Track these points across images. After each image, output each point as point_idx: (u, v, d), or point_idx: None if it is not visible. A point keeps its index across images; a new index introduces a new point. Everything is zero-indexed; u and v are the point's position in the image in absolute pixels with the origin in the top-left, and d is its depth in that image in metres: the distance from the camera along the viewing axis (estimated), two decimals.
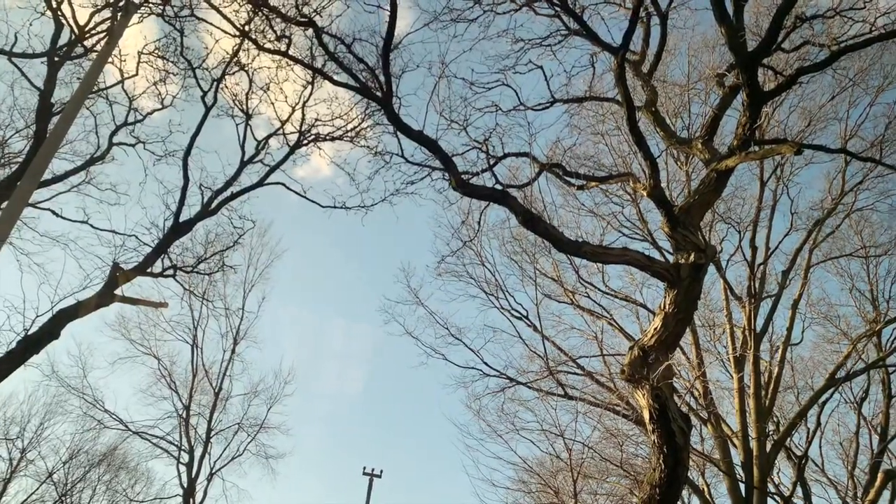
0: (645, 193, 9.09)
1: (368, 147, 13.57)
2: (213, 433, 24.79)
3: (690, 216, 8.83)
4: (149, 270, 13.34)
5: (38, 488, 27.62)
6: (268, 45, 8.78)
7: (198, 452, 24.37)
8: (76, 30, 11.66)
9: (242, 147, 14.21)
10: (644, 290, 18.40)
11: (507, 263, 17.77)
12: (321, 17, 8.49)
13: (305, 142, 14.27)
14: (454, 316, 31.22)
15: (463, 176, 8.47)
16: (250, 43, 9.67)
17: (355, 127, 13.96)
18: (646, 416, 8.23)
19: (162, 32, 13.76)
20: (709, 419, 15.52)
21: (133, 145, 14.81)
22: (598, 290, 17.00)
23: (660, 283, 8.78)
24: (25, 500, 27.45)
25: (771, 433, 15.59)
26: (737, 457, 15.17)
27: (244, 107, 14.17)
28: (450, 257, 15.40)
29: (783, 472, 18.03)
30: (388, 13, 7.40)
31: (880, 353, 17.25)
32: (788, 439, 16.31)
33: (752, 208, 17.37)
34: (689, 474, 11.98)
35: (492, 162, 10.47)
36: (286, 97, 14.33)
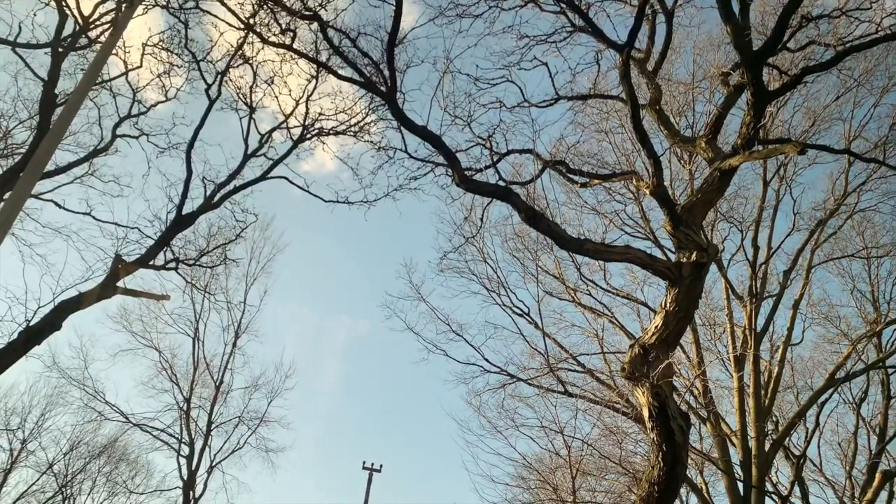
0: (648, 192, 9.09)
1: (372, 142, 13.58)
2: (213, 426, 24.85)
3: (693, 215, 8.82)
4: (151, 263, 13.35)
5: (38, 479, 27.76)
6: (272, 39, 8.77)
7: (198, 445, 24.46)
8: (80, 20, 11.66)
9: (246, 140, 14.22)
10: (645, 289, 18.44)
11: (509, 260, 17.81)
12: (326, 10, 8.48)
13: (309, 136, 14.29)
14: (456, 312, 31.19)
15: (466, 172, 8.47)
16: (255, 36, 9.64)
17: (359, 122, 13.98)
18: (645, 413, 8.23)
19: (166, 24, 13.71)
20: (708, 418, 15.54)
21: (136, 137, 14.83)
22: (600, 287, 17.05)
23: (661, 281, 8.79)
24: (26, 490, 27.59)
25: (770, 432, 15.61)
26: (735, 456, 15.21)
27: (248, 100, 14.20)
28: (452, 253, 15.39)
29: (781, 472, 18.09)
30: (394, 8, 7.39)
31: (880, 354, 17.25)
32: (787, 439, 16.33)
33: (754, 208, 17.39)
34: (687, 472, 12.01)
35: (495, 158, 10.48)
36: (290, 91, 14.38)
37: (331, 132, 14.32)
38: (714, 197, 9.27)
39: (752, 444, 14.87)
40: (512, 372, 16.17)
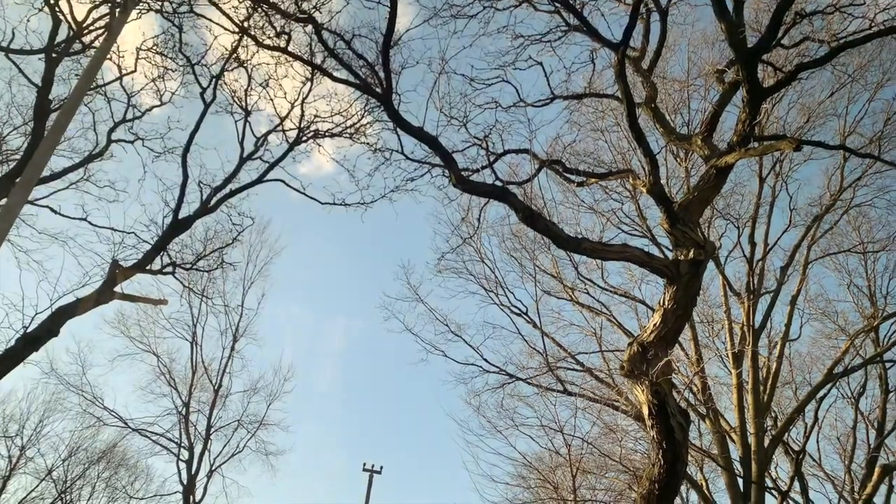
0: (644, 190, 9.11)
1: (368, 144, 13.56)
2: (212, 430, 24.79)
3: (690, 213, 8.84)
4: (148, 267, 13.33)
5: (37, 486, 27.68)
6: (267, 42, 8.76)
7: (197, 449, 24.38)
8: (74, 26, 11.63)
9: (241, 144, 14.21)
10: (643, 287, 18.45)
11: (507, 260, 17.79)
12: (320, 13, 8.47)
13: (305, 138, 14.27)
14: (454, 312, 31.14)
15: (463, 173, 8.47)
16: (250, 39, 9.63)
17: (355, 123, 13.97)
18: (645, 411, 8.24)
19: (160, 28, 13.69)
20: (707, 414, 15.57)
21: (132, 142, 14.79)
22: (598, 286, 17.06)
23: (659, 279, 8.81)
24: (25, 497, 27.49)
25: (769, 428, 15.65)
26: (734, 452, 15.24)
27: (243, 103, 14.17)
28: (450, 254, 15.40)
29: (780, 467, 18.13)
30: (388, 9, 7.39)
31: (878, 348, 17.30)
32: (786, 434, 16.37)
33: (750, 204, 17.41)
34: (687, 469, 12.02)
35: (492, 159, 10.46)
36: (286, 93, 14.32)
37: (326, 134, 14.32)
38: (711, 194, 9.29)
39: (751, 440, 14.90)
40: (511, 371, 16.19)
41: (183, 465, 24.04)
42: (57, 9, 11.31)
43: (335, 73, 8.71)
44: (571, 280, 17.36)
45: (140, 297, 13.79)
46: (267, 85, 13.72)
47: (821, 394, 16.24)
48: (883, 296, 18.58)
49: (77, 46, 12.33)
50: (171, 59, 13.33)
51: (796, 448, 16.76)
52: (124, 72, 13.54)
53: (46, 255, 15.82)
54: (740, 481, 14.66)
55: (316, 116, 14.17)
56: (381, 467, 30.84)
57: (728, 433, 15.44)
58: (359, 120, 13.88)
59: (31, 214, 15.29)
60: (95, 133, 14.24)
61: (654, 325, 8.39)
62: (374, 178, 19.07)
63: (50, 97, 11.83)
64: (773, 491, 15.55)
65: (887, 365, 17.67)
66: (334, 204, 14.46)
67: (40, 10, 11.31)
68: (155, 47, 12.87)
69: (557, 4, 10.53)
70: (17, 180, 6.04)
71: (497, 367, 16.18)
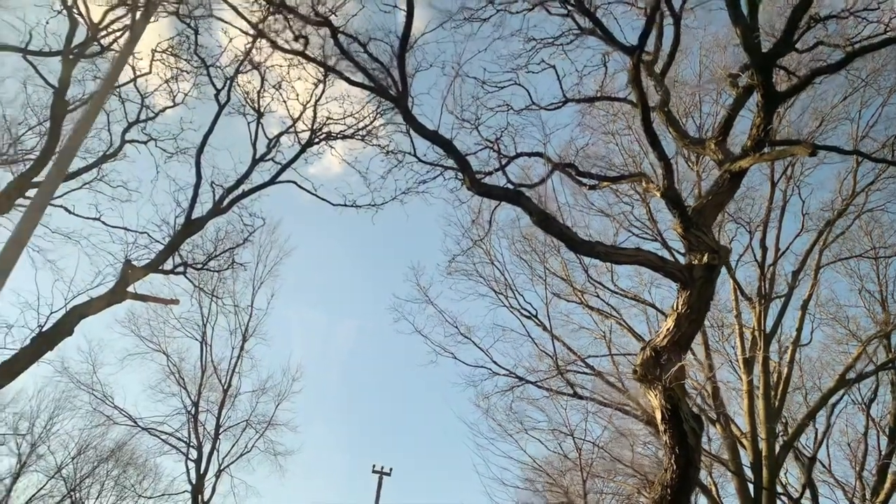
0: (658, 194, 9.09)
1: (380, 146, 13.60)
2: (221, 430, 24.84)
3: (703, 217, 8.83)
4: (160, 267, 13.40)
5: (46, 483, 27.85)
6: (285, 46, 8.81)
7: (206, 449, 24.41)
8: (91, 28, 11.73)
9: (254, 145, 14.27)
10: (653, 290, 18.40)
11: (517, 262, 17.79)
12: (336, 16, 8.51)
13: (317, 140, 14.32)
14: (464, 315, 31.01)
15: (475, 175, 8.48)
16: (266, 42, 9.69)
17: (367, 125, 14.00)
18: (658, 416, 8.23)
19: (174, 30, 13.78)
20: (718, 419, 15.51)
21: (145, 142, 14.92)
22: (608, 289, 17.03)
23: (669, 282, 8.80)
24: (34, 494, 27.68)
25: (780, 434, 15.57)
26: (745, 457, 15.17)
27: (256, 104, 14.23)
28: (460, 256, 15.41)
29: (790, 473, 18.02)
30: (405, 14, 7.42)
31: (890, 354, 17.18)
32: (797, 440, 16.29)
33: (761, 208, 17.35)
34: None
35: (504, 162, 10.47)
36: (298, 95, 14.36)
37: (338, 136, 14.37)
38: (725, 199, 9.28)
39: (762, 445, 14.83)
40: (521, 374, 16.18)
41: (192, 465, 24.13)
42: (76, 11, 11.41)
43: (351, 77, 8.76)
44: (581, 283, 17.36)
45: (152, 296, 13.87)
46: (280, 87, 13.79)
47: (833, 400, 16.14)
48: (895, 301, 18.48)
49: (94, 48, 12.44)
50: (185, 60, 13.42)
51: (806, 454, 16.68)
52: (139, 73, 13.66)
53: (59, 254, 15.96)
54: (751, 487, 14.59)
55: (328, 118, 14.24)
56: (391, 469, 30.85)
57: (739, 439, 15.37)
58: (371, 122, 13.94)
59: (46, 213, 15.40)
60: (110, 133, 14.38)
61: (668, 329, 8.38)
62: (385, 180, 19.11)
63: (66, 98, 11.91)
64: (783, 497, 15.49)
65: None
66: (345, 205, 14.52)
67: (59, 12, 11.41)
68: (170, 49, 12.96)
69: (572, 7, 10.52)
70: (41, 181, 6.13)
71: (507, 369, 16.19)
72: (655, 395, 8.23)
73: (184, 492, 24.96)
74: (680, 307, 8.29)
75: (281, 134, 14.56)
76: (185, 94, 14.53)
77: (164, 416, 24.82)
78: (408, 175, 11.02)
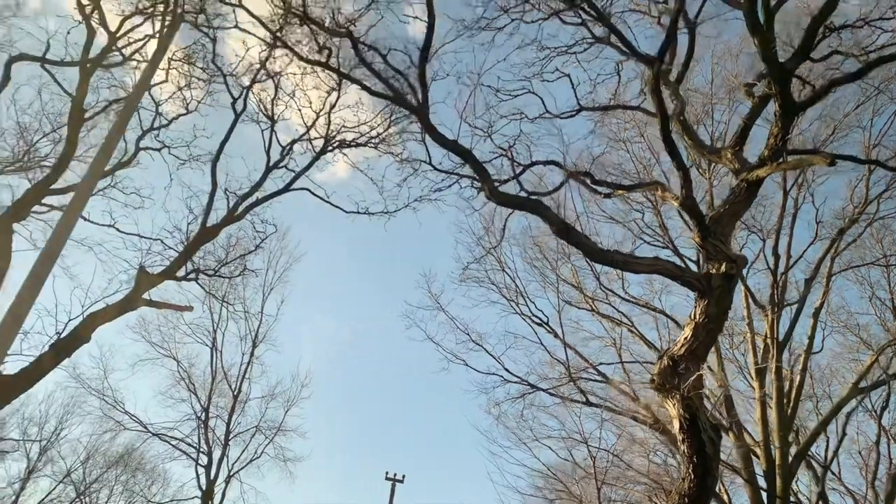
0: (677, 203, 9.13)
1: (393, 154, 13.66)
2: (231, 435, 24.89)
3: (721, 226, 8.83)
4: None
5: (55, 487, 27.89)
6: (310, 57, 8.89)
7: (216, 454, 24.44)
8: (109, 37, 11.83)
9: (268, 152, 14.30)
10: (663, 297, 18.38)
11: (528, 269, 17.81)
12: (355, 26, 8.58)
13: (331, 148, 14.38)
14: (475, 322, 30.92)
15: (495, 185, 8.51)
16: (288, 52, 9.77)
17: (380, 133, 14.05)
18: (676, 425, 8.22)
19: (190, 39, 13.86)
20: (731, 428, 15.46)
21: (159, 150, 14.98)
22: (619, 296, 17.03)
23: (679, 289, 8.81)
24: (43, 499, 27.71)
25: (792, 442, 15.51)
26: (758, 466, 15.11)
27: (269, 112, 14.31)
28: (473, 264, 15.44)
29: (800, 480, 17.93)
30: (426, 25, 7.47)
31: None
32: (810, 449, 16.23)
33: (772, 216, 17.35)
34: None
35: (519, 170, 10.52)
36: (310, 103, 14.43)
37: (352, 144, 14.42)
38: (741, 208, 9.28)
39: (775, 454, 14.78)
40: (532, 382, 16.18)
41: (202, 471, 24.14)
42: (97, 21, 11.50)
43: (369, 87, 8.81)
44: (592, 290, 17.36)
45: (166, 303, 13.87)
46: (294, 95, 13.86)
47: (847, 409, 16.09)
48: None
49: (114, 58, 12.54)
50: (201, 68, 13.50)
51: (816, 462, 16.61)
52: (153, 81, 13.70)
53: (73, 260, 15.99)
54: (764, 495, 14.54)
55: (342, 126, 14.30)
56: (404, 476, 30.77)
57: (752, 448, 15.32)
58: (384, 130, 13.98)
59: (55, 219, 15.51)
60: (125, 141, 14.42)
61: (685, 338, 8.37)
62: (396, 187, 19.17)
63: (84, 106, 12.01)
64: None
65: None
66: (358, 212, 14.57)
67: (79, 23, 11.49)
68: (186, 57, 13.04)
69: (592, 17, 10.56)
70: (74, 192, 6.26)
71: (518, 377, 16.20)
72: (673, 405, 8.22)
73: (193, 497, 25.00)
74: (697, 316, 8.30)
75: (295, 141, 14.62)
76: (198, 102, 14.62)
77: (175, 421, 24.86)
78: (422, 183, 11.09)
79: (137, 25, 12.47)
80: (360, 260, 63.77)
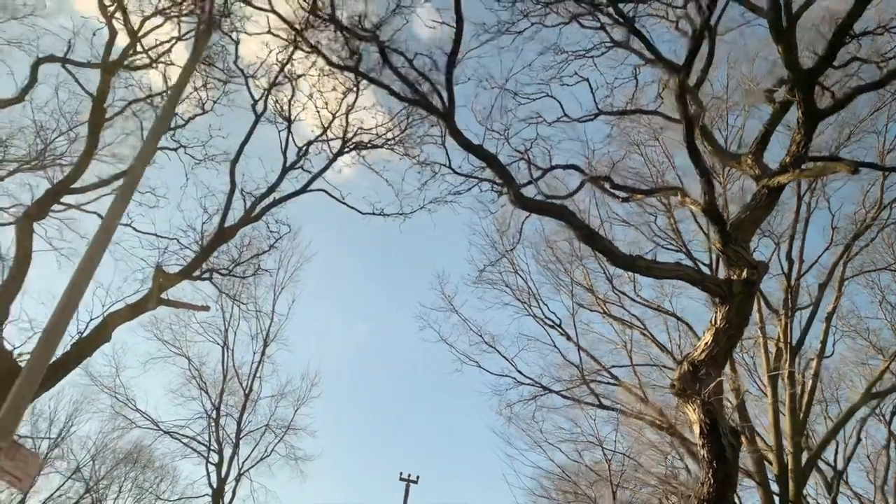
0: (697, 208, 9.17)
1: (409, 156, 13.69)
2: (242, 434, 24.96)
3: (742, 232, 8.85)
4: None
5: (64, 483, 27.99)
6: (339, 63, 8.95)
7: (227, 453, 24.51)
8: (131, 38, 11.91)
9: (284, 153, 14.36)
10: (674, 300, 18.40)
11: (541, 272, 17.84)
12: (380, 31, 8.63)
13: (348, 149, 14.43)
14: (488, 324, 30.86)
15: (519, 189, 8.55)
16: (318, 57, 9.81)
17: (398, 135, 14.08)
18: (696, 430, 8.26)
19: (212, 41, 13.92)
20: (743, 432, 15.48)
21: (175, 149, 15.04)
22: (630, 298, 17.06)
23: (691, 292, 8.84)
24: (52, 494, 27.84)
25: (804, 448, 15.53)
26: (769, 470, 15.13)
27: (286, 113, 14.37)
28: (489, 266, 15.49)
29: (809, 484, 17.91)
30: (454, 31, 7.52)
31: None
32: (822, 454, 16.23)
33: (786, 220, 17.35)
34: None
35: (538, 174, 10.54)
36: (327, 104, 14.47)
37: (368, 145, 14.47)
38: (762, 214, 9.30)
39: (787, 458, 14.80)
40: (545, 384, 16.22)
41: (212, 469, 24.20)
42: (115, 20, 11.57)
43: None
44: (604, 292, 17.40)
45: (183, 303, 13.95)
46: (312, 96, 13.92)
47: (862, 414, 16.10)
48: None
49: (137, 60, 12.63)
50: (222, 70, 13.55)
51: (828, 466, 16.61)
52: (172, 84, 13.78)
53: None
54: (776, 500, 14.56)
55: (360, 128, 14.35)
56: (418, 477, 30.74)
57: (764, 452, 15.34)
58: (402, 132, 14.01)
59: (73, 219, 15.64)
60: (143, 141, 14.47)
61: (706, 344, 8.42)
62: (410, 188, 19.24)
63: (104, 106, 12.10)
64: None
65: None
66: (374, 214, 14.62)
67: (102, 26, 11.57)
68: (207, 59, 13.09)
69: (606, 20, 10.59)
70: (117, 192, 6.41)
71: (531, 379, 16.25)
72: (694, 410, 8.26)
73: (204, 495, 25.09)
74: (718, 322, 8.34)
75: (311, 143, 14.67)
76: (214, 102, 14.68)
77: (186, 419, 24.94)
78: (441, 186, 11.13)
79: (158, 26, 12.56)
80: (369, 260, 63.85)
